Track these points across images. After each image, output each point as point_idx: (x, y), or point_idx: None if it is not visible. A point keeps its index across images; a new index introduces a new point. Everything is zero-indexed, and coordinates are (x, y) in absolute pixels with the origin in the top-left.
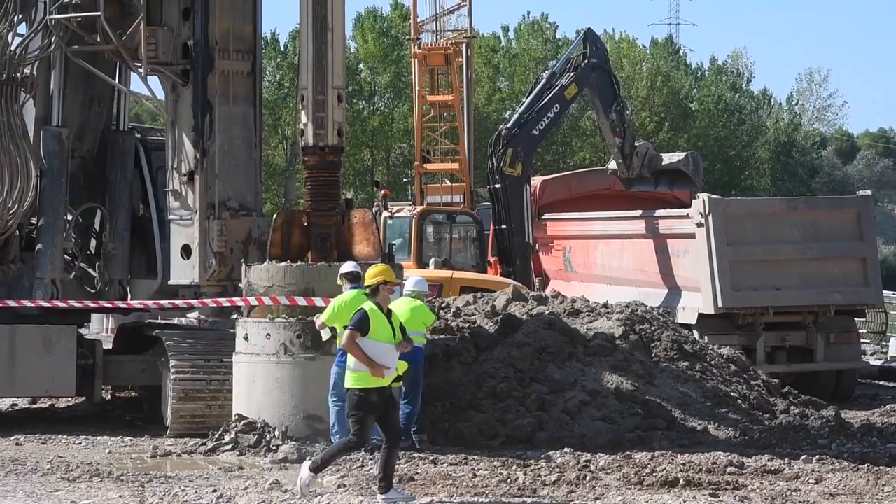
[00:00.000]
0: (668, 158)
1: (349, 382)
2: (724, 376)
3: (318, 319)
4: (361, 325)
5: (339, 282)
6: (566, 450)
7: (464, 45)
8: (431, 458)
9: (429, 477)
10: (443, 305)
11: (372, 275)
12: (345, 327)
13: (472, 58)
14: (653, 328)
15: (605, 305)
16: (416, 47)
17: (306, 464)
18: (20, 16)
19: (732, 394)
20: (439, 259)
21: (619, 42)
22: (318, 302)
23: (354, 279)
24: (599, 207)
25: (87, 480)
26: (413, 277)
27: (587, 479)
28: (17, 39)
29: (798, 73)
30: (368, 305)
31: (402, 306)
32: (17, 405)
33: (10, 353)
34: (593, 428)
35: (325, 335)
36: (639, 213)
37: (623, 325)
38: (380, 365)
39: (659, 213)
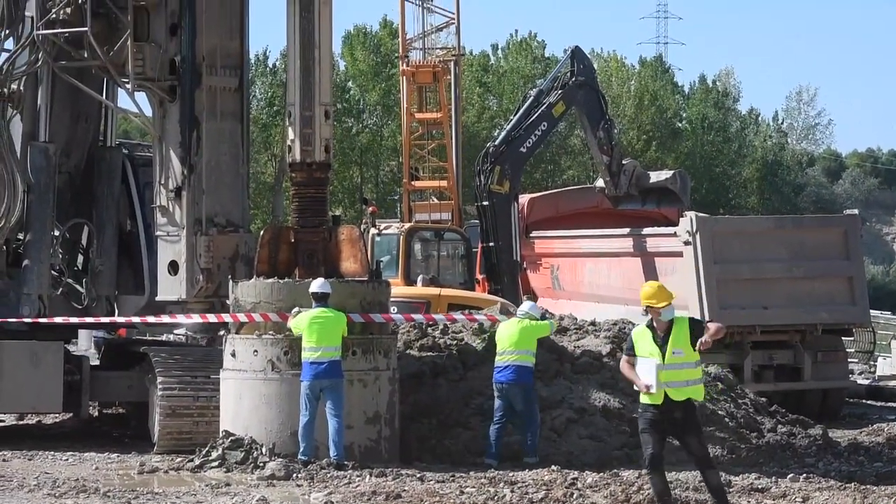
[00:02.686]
0: (656, 177)
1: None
2: (711, 395)
3: (290, 321)
4: (629, 347)
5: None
6: (553, 467)
7: (452, 62)
8: (419, 475)
9: (416, 494)
10: (430, 323)
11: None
12: None
13: (461, 75)
14: None
15: (593, 323)
16: (405, 65)
17: None
18: (7, 31)
19: (720, 412)
20: (427, 276)
21: (608, 61)
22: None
23: (320, 299)
24: (587, 225)
25: (74, 496)
26: (527, 302)
27: (574, 496)
28: (4, 55)
29: (787, 91)
30: (639, 327)
31: (510, 327)
32: (3, 421)
33: None
34: (580, 446)
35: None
36: (626, 231)
37: (610, 342)
38: (642, 382)
39: (646, 231)
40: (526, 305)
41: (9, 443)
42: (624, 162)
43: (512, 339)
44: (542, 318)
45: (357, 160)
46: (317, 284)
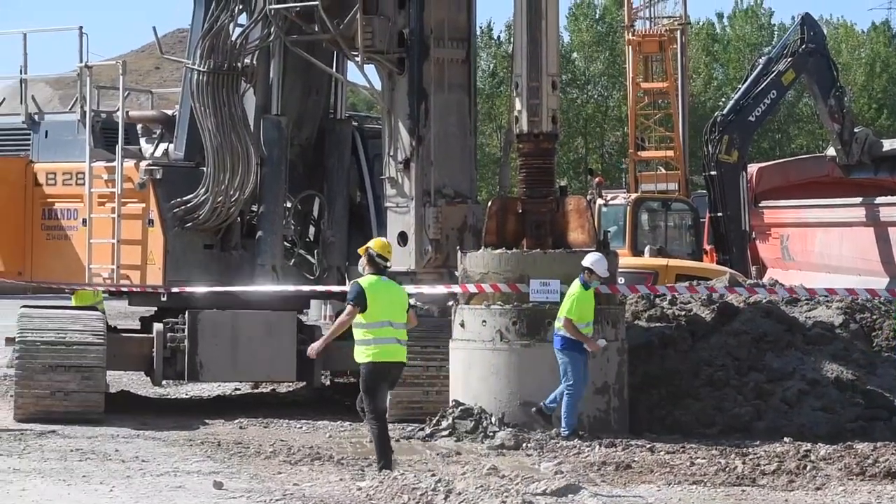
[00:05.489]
0: (889, 145)
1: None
2: None
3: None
4: None
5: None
6: (786, 439)
7: (678, 31)
8: (648, 445)
9: (646, 464)
10: (658, 294)
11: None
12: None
13: (687, 44)
14: (874, 317)
15: (826, 294)
16: (631, 34)
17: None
18: (241, 6)
19: None
20: (654, 247)
21: (837, 27)
22: (535, 287)
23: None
24: (817, 195)
25: (309, 463)
26: None
27: (807, 468)
28: (238, 30)
29: None
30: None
31: None
32: (239, 389)
33: (233, 339)
34: (813, 417)
35: (602, 343)
36: (858, 200)
37: (843, 313)
38: None
39: (880, 200)
40: None
41: (245, 410)
42: (856, 130)
43: None
44: None
45: (582, 130)
46: (589, 259)
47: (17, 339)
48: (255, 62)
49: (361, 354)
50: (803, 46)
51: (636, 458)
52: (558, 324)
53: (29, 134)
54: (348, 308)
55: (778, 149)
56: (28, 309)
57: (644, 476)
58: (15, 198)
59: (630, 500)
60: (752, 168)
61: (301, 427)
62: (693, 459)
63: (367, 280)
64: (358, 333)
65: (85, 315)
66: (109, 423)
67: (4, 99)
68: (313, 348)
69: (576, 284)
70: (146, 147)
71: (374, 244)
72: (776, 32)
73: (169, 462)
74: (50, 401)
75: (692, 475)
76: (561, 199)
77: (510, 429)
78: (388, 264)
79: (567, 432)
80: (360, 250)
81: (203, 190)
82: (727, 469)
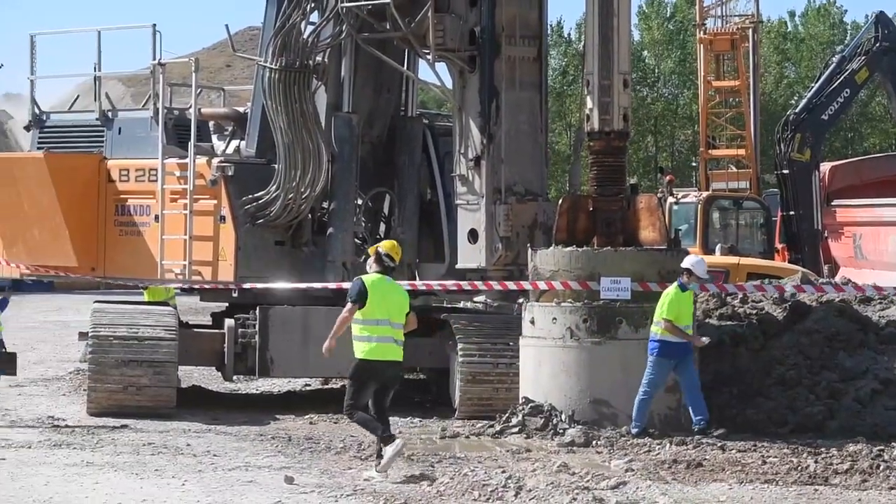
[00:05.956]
0: None
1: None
2: None
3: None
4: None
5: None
6: (858, 439)
7: (750, 30)
8: (720, 444)
9: (717, 463)
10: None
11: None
12: None
13: (759, 43)
14: None
15: None
16: (702, 32)
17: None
18: (312, 4)
19: None
20: (725, 245)
21: None
22: (606, 285)
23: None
24: (891, 194)
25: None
26: None
27: (881, 468)
28: (310, 28)
29: None
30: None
31: None
32: (309, 385)
33: (303, 335)
34: (886, 417)
35: (705, 340)
36: None
37: None
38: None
39: None
40: None
41: (315, 406)
42: None
43: None
44: None
45: (652, 129)
46: (687, 261)
47: (90, 334)
48: (326, 60)
49: (357, 350)
50: (877, 44)
51: (707, 456)
52: (656, 328)
53: (102, 130)
54: (348, 305)
55: (850, 147)
56: (101, 304)
57: (716, 474)
58: (88, 194)
59: (702, 499)
60: (825, 167)
61: None
62: (765, 458)
63: (369, 277)
64: (355, 329)
65: (157, 310)
66: (181, 418)
67: (79, 96)
68: (325, 348)
69: (673, 286)
70: (218, 144)
71: (384, 244)
72: (849, 31)
73: (240, 457)
74: (122, 395)
75: (764, 474)
76: (632, 196)
77: (580, 426)
78: (394, 265)
79: (637, 430)
80: (370, 249)
81: (274, 187)
82: (799, 468)
